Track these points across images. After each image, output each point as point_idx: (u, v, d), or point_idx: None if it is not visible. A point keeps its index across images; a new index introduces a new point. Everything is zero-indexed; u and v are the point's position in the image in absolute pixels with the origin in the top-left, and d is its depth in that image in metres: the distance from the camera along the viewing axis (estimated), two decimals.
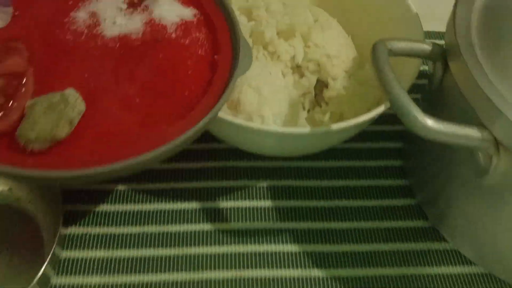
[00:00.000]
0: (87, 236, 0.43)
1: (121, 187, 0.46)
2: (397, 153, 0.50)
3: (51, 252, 0.37)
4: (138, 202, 0.45)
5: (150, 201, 0.46)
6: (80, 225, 0.44)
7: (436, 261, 0.42)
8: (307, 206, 0.46)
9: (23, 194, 0.44)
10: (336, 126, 0.38)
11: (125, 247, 0.42)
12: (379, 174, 0.49)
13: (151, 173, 0.47)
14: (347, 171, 0.49)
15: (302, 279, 0.41)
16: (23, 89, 0.32)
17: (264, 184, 0.47)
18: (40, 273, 0.36)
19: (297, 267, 0.42)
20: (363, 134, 0.50)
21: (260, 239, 0.43)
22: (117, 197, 0.46)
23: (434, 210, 0.45)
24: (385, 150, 0.51)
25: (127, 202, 0.45)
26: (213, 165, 0.48)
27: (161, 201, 0.46)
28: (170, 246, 0.43)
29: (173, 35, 0.39)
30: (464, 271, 0.42)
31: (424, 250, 0.43)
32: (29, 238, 0.42)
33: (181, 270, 0.41)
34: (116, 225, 0.44)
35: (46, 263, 0.37)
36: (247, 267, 0.42)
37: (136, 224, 0.44)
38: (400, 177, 0.49)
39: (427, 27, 0.48)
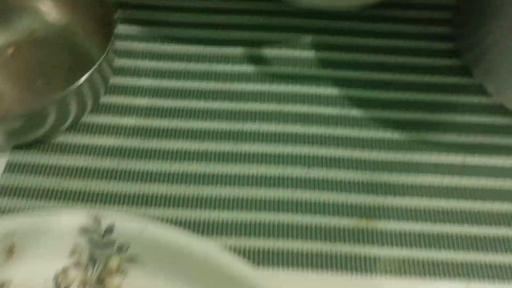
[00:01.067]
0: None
1: None
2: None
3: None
4: None
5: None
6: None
7: (477, 111, 0.43)
8: (352, 59, 0.46)
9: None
10: None
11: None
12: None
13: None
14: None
15: (341, 116, 0.42)
16: None
17: (308, 39, 0.48)
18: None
19: (336, 106, 0.43)
20: None
21: (302, 81, 0.44)
22: None
23: (481, 65, 0.45)
24: None
25: None
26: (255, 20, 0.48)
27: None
28: (214, 80, 0.43)
29: None
30: (506, 122, 0.43)
31: (466, 102, 0.44)
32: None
33: (224, 100, 0.43)
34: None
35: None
36: (287, 103, 0.43)
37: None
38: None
39: None
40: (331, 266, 0.34)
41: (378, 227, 0.36)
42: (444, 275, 0.34)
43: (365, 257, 0.35)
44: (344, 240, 0.35)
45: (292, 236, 0.35)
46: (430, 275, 0.34)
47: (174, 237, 0.30)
